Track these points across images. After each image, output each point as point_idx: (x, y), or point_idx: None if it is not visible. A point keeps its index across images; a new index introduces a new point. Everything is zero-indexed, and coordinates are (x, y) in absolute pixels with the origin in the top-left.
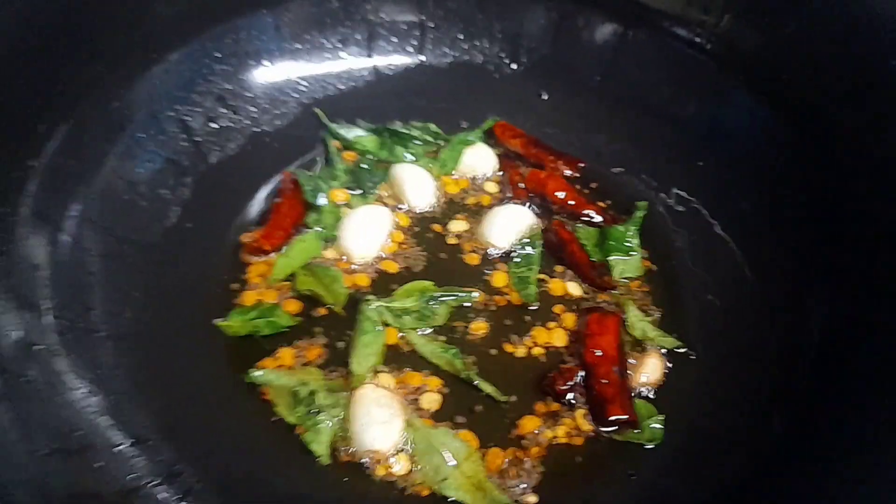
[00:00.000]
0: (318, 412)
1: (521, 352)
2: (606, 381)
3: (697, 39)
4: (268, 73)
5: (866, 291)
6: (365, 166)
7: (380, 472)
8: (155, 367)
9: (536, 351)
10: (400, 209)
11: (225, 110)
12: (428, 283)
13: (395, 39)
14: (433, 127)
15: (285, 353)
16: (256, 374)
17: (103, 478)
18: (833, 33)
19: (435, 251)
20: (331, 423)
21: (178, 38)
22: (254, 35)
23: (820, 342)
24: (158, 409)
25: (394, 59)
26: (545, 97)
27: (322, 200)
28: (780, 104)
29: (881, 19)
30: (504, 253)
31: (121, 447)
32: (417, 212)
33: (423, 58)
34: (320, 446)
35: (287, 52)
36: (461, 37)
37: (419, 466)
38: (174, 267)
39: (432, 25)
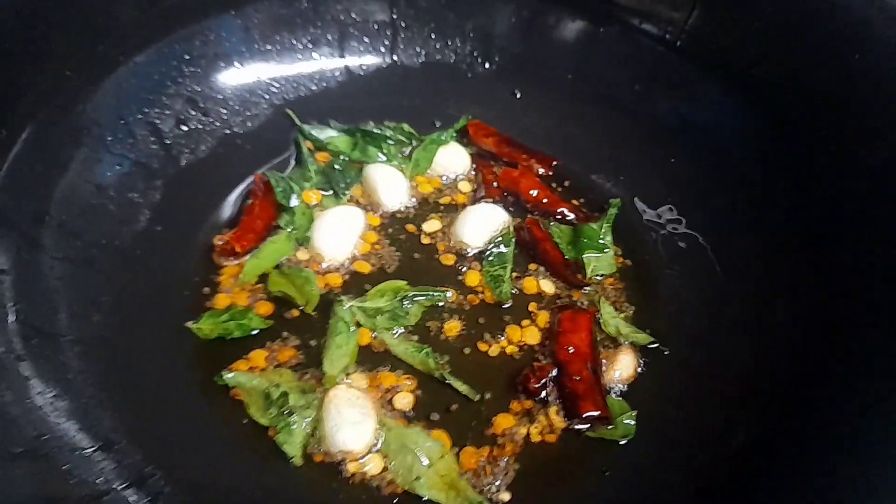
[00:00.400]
0: (291, 413)
1: (494, 350)
2: (579, 378)
3: (667, 36)
4: (238, 75)
5: (835, 289)
6: (337, 167)
7: (353, 472)
8: (124, 371)
9: (510, 349)
10: (373, 210)
11: (195, 112)
12: (401, 283)
13: (366, 39)
14: (406, 127)
15: (257, 355)
16: (228, 376)
17: (71, 482)
18: (802, 27)
19: (408, 251)
20: (303, 424)
21: (145, 39)
22: (223, 37)
23: (790, 339)
24: (127, 412)
25: (366, 59)
26: (518, 96)
27: (294, 202)
28: (750, 100)
29: (847, 12)
30: (478, 252)
31: (88, 451)
32: (391, 212)
33: (395, 57)
34: (293, 447)
35: (257, 54)
36: (433, 36)
37: (392, 466)
38: (144, 270)
39: (404, 25)
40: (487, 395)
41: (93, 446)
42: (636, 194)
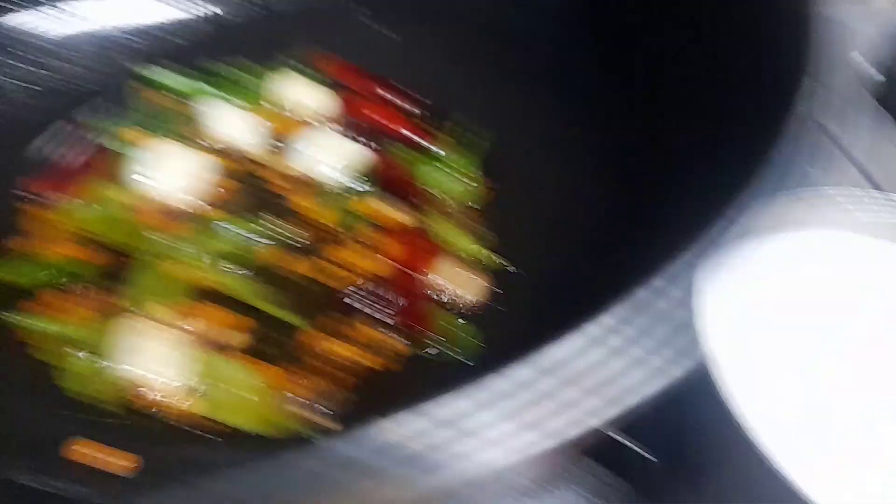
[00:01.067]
0: (79, 348)
1: (329, 278)
2: (419, 301)
3: None
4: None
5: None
6: (171, 107)
7: (165, 409)
8: None
9: (343, 275)
10: (210, 148)
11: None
12: (239, 219)
13: None
14: (249, 64)
15: (52, 297)
16: (18, 317)
17: None
18: None
19: (255, 192)
20: (93, 359)
21: None
22: None
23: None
24: None
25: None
26: (397, 38)
27: (116, 143)
28: None
29: None
30: (328, 186)
31: None
32: (233, 151)
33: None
34: (75, 383)
35: None
36: None
37: (210, 400)
38: None
39: None
40: (315, 321)
41: None
42: (506, 128)
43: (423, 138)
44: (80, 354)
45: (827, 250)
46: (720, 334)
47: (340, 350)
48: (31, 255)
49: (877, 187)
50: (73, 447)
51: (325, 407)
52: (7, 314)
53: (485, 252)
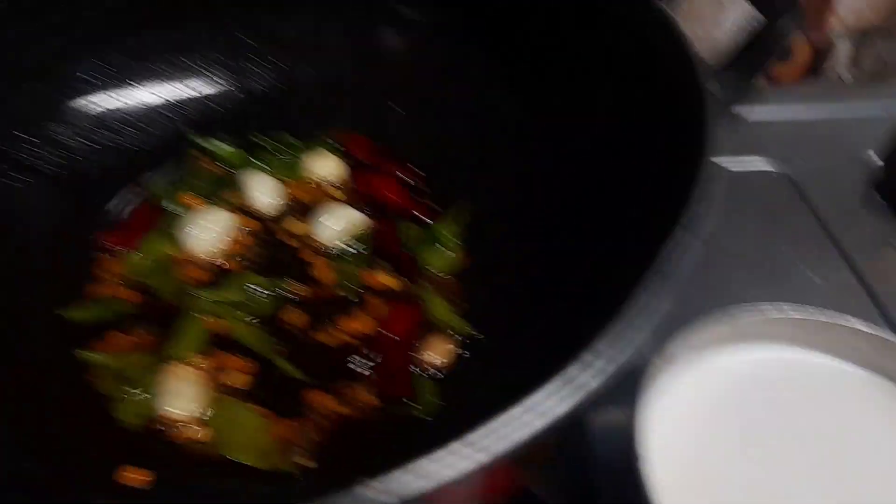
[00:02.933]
0: (132, 386)
1: (329, 339)
2: (392, 360)
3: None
4: (137, 93)
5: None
6: (218, 174)
7: (179, 438)
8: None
9: (343, 338)
10: (245, 212)
11: (88, 125)
12: (253, 276)
13: (257, 60)
14: (287, 137)
15: (116, 338)
16: (85, 354)
17: None
18: None
19: (270, 250)
20: (141, 396)
21: (60, 56)
22: (125, 58)
23: None
24: None
25: (256, 78)
26: (394, 108)
27: (172, 205)
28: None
29: None
30: (334, 249)
31: None
32: (262, 214)
33: (284, 76)
34: (127, 415)
35: (154, 74)
36: (320, 56)
37: (215, 434)
38: (29, 263)
39: (292, 48)
40: (312, 375)
41: None
42: (484, 197)
43: (415, 209)
44: (133, 390)
45: (762, 366)
46: (656, 437)
47: (326, 401)
48: (102, 299)
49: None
50: (124, 472)
51: (304, 447)
52: (81, 351)
53: (457, 319)
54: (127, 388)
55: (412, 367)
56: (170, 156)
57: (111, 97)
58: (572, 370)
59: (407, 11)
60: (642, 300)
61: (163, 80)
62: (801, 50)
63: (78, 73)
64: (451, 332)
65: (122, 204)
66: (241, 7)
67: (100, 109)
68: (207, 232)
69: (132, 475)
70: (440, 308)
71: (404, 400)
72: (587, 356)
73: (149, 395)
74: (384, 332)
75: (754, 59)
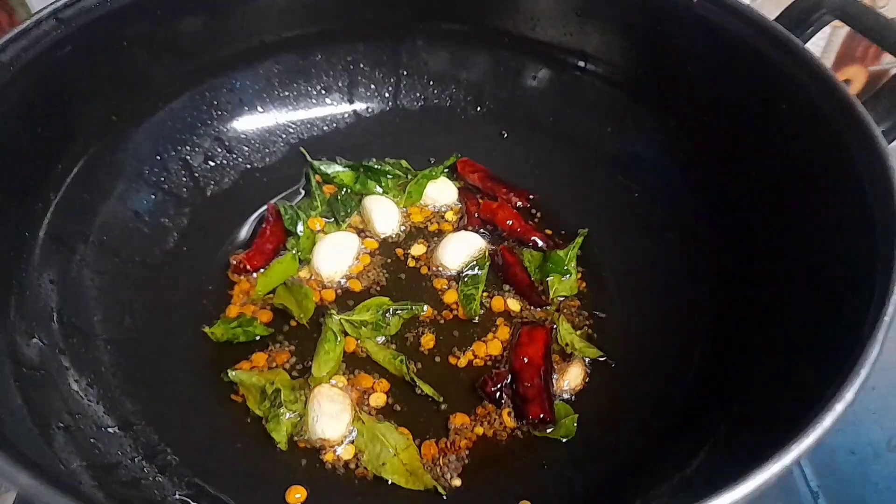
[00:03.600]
0: (281, 406)
1: (461, 361)
2: (530, 385)
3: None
4: (259, 118)
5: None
6: (340, 198)
7: (329, 457)
8: (146, 367)
9: (475, 361)
10: (368, 235)
11: (221, 150)
12: (384, 299)
13: (372, 86)
14: (404, 163)
15: (258, 357)
16: (233, 373)
17: (95, 452)
18: (727, 74)
19: (395, 272)
20: (290, 416)
21: (180, 89)
22: (247, 85)
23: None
24: (146, 400)
25: (371, 104)
26: (505, 135)
27: (300, 228)
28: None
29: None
30: (456, 273)
31: (112, 429)
32: (383, 238)
33: (397, 102)
34: (280, 434)
35: (276, 99)
36: (431, 84)
37: (363, 454)
38: (169, 283)
39: (406, 74)
40: (450, 398)
41: (115, 425)
42: (597, 225)
43: (533, 234)
44: (282, 409)
45: None
46: None
47: (466, 422)
48: (239, 319)
49: None
50: (294, 493)
51: (448, 466)
52: (234, 373)
53: (587, 344)
54: (276, 410)
55: (549, 391)
56: (293, 179)
57: (238, 122)
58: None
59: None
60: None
61: (285, 106)
62: None
63: (207, 98)
64: (581, 356)
65: (251, 226)
66: (365, 36)
67: (229, 133)
68: (333, 253)
69: (295, 493)
70: (570, 333)
71: (542, 421)
72: None
73: (298, 415)
74: (518, 355)
75: None
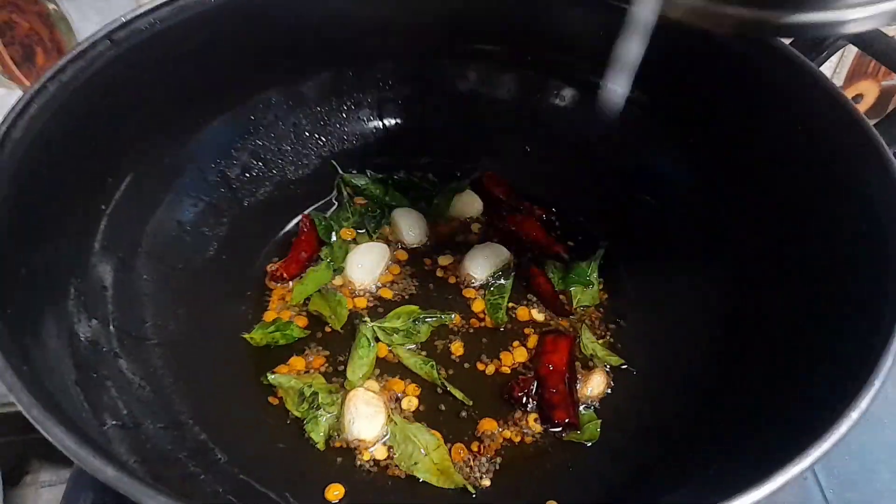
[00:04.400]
0: (319, 408)
1: (489, 368)
2: (555, 391)
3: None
4: (293, 132)
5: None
6: (371, 210)
7: (364, 457)
8: (193, 369)
9: (502, 368)
10: (398, 246)
11: (257, 163)
12: (414, 307)
13: (400, 103)
14: (431, 177)
15: (296, 361)
16: (272, 377)
17: (147, 446)
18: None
19: (424, 281)
20: (327, 417)
21: (221, 108)
22: (282, 101)
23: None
24: (194, 400)
25: (399, 119)
26: (529, 150)
27: (333, 238)
28: (695, 144)
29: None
30: (482, 283)
31: (162, 427)
32: (413, 248)
33: (424, 118)
34: (317, 435)
35: (309, 115)
36: (458, 101)
37: (396, 453)
38: (211, 290)
39: (433, 91)
40: (479, 402)
41: (165, 424)
42: (617, 238)
43: (555, 247)
44: (319, 411)
45: None
46: None
47: (494, 426)
48: (276, 324)
49: None
50: (333, 490)
51: (479, 468)
52: (273, 376)
53: (608, 352)
54: (314, 411)
55: (573, 396)
56: (325, 191)
57: (273, 136)
58: None
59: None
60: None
61: (318, 121)
62: None
63: (246, 114)
64: (601, 363)
65: (286, 235)
66: (394, 55)
67: (265, 147)
68: (365, 263)
69: (334, 490)
70: (592, 342)
71: (567, 425)
72: None
73: (334, 417)
74: (544, 363)
75: None
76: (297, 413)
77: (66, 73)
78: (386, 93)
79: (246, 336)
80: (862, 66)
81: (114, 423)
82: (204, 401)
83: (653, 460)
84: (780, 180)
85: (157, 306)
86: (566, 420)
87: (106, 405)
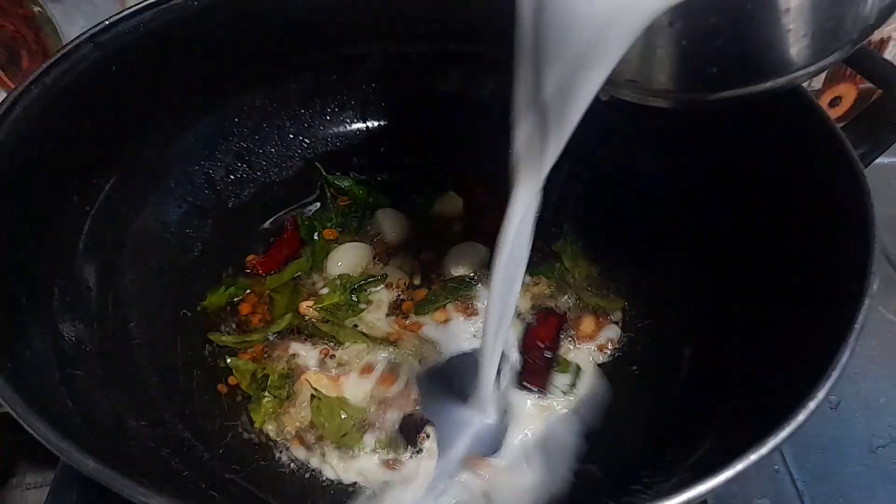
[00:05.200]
0: (265, 390)
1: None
2: (533, 362)
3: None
4: (277, 134)
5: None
6: (354, 210)
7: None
8: (176, 368)
9: None
10: (380, 245)
11: (241, 164)
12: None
13: (383, 105)
14: (414, 177)
15: (255, 349)
16: (231, 360)
17: (131, 445)
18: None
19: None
20: (271, 399)
21: (205, 111)
22: (267, 103)
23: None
24: (177, 399)
25: (383, 121)
26: (510, 151)
27: (315, 237)
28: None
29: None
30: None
31: (145, 425)
32: (394, 246)
33: (408, 120)
34: (258, 416)
35: (293, 117)
36: (441, 103)
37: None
38: (195, 290)
39: (416, 93)
40: None
41: (148, 422)
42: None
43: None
44: (266, 393)
45: None
46: None
47: None
48: (251, 316)
49: None
50: None
51: None
52: (231, 359)
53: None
54: (262, 393)
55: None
56: (309, 192)
57: (258, 137)
58: None
59: None
60: None
61: (302, 123)
62: None
63: (230, 116)
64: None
65: (269, 235)
66: (377, 58)
67: (249, 149)
68: (345, 260)
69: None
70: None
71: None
72: None
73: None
74: (531, 334)
75: None
76: (249, 391)
77: (51, 76)
78: (369, 95)
79: (212, 336)
80: (841, 69)
81: (98, 420)
82: (187, 399)
83: (636, 452)
84: (753, 185)
85: (142, 307)
86: (537, 385)
87: (90, 403)
